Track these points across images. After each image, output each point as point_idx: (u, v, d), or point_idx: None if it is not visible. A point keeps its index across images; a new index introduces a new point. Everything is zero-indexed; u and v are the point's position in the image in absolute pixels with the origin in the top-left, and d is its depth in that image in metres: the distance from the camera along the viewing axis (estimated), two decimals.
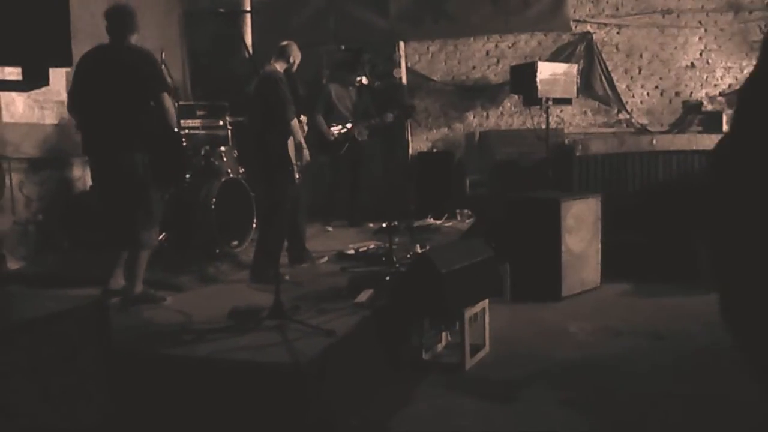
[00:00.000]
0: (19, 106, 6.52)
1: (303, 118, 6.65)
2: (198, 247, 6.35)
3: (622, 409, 3.97)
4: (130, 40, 4.81)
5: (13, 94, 6.36)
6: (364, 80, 7.54)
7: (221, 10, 4.77)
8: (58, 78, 6.74)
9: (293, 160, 5.67)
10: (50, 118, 6.84)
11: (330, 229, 8.13)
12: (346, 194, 8.42)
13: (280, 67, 5.83)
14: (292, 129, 5.64)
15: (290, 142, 5.67)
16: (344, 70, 8.30)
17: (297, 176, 5.74)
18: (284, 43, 5.98)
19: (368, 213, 8.38)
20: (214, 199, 6.28)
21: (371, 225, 8.14)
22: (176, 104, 6.86)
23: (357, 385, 4.11)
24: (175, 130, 4.86)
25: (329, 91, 7.94)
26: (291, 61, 5.90)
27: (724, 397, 4.02)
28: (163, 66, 6.53)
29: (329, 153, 7.91)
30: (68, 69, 6.36)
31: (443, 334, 4.97)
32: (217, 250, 6.35)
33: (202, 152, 6.77)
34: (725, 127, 8.72)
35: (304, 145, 5.84)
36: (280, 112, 5.54)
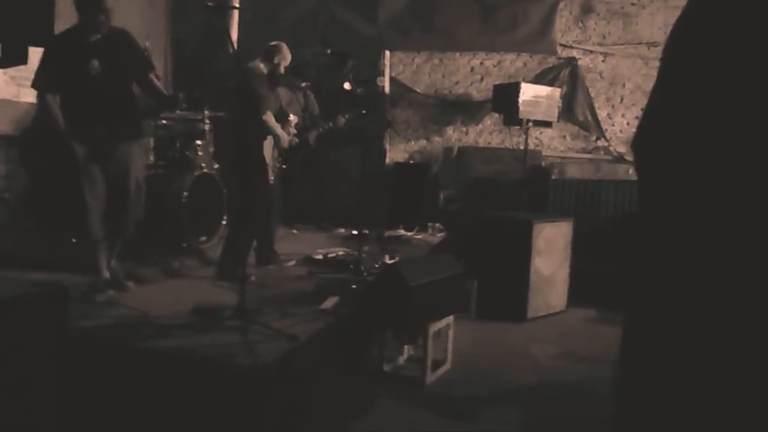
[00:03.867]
0: None
1: (293, 117, 6.56)
2: (165, 239, 6.27)
3: None
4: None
5: None
6: (347, 85, 7.49)
7: (209, 3, 4.68)
8: (38, 56, 6.63)
9: (268, 161, 5.62)
10: (26, 96, 6.69)
11: (295, 231, 8.07)
12: (308, 198, 8.36)
13: (265, 66, 5.77)
14: (267, 124, 5.58)
15: (267, 142, 5.61)
16: (329, 73, 8.26)
17: (272, 177, 5.69)
18: (273, 43, 5.92)
19: (339, 218, 8.35)
20: (185, 193, 6.21)
21: (342, 230, 8.10)
22: None
23: (316, 392, 4.07)
24: None
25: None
26: (277, 62, 5.84)
27: None
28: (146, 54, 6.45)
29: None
30: None
31: (406, 347, 4.95)
32: (185, 245, 6.27)
33: (178, 144, 6.69)
34: None
35: (282, 136, 5.79)
36: (255, 107, 5.49)
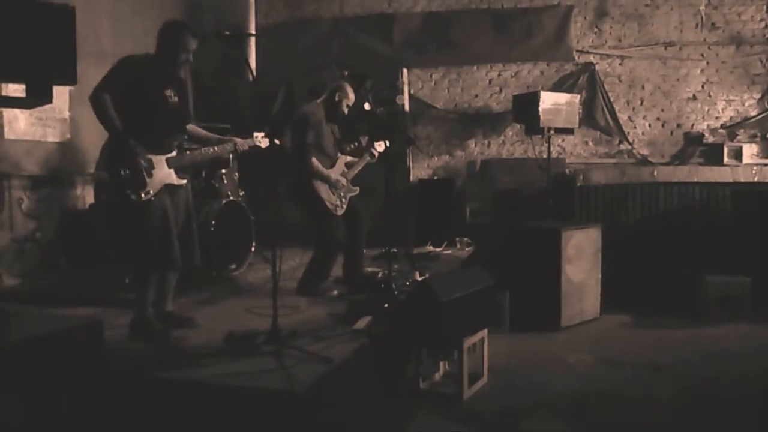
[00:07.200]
0: (21, 123, 6.50)
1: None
2: (194, 269, 6.28)
3: None
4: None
5: (16, 111, 6.34)
6: (367, 106, 7.53)
7: (227, 32, 4.73)
8: (62, 96, 6.74)
9: (323, 195, 5.80)
10: (53, 136, 6.82)
11: None
12: None
13: (323, 105, 5.98)
14: (314, 170, 5.69)
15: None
16: None
17: (337, 206, 5.90)
18: (336, 84, 6.10)
19: (366, 238, 8.33)
20: (213, 222, 6.24)
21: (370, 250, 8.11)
22: None
23: (353, 413, 4.06)
24: None
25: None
26: (338, 99, 5.98)
27: (723, 429, 3.99)
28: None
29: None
30: (72, 87, 6.37)
31: (441, 363, 4.92)
32: (214, 273, 6.30)
33: (203, 174, 6.73)
34: (726, 160, 8.73)
35: (336, 179, 5.94)
36: (299, 155, 5.73)
